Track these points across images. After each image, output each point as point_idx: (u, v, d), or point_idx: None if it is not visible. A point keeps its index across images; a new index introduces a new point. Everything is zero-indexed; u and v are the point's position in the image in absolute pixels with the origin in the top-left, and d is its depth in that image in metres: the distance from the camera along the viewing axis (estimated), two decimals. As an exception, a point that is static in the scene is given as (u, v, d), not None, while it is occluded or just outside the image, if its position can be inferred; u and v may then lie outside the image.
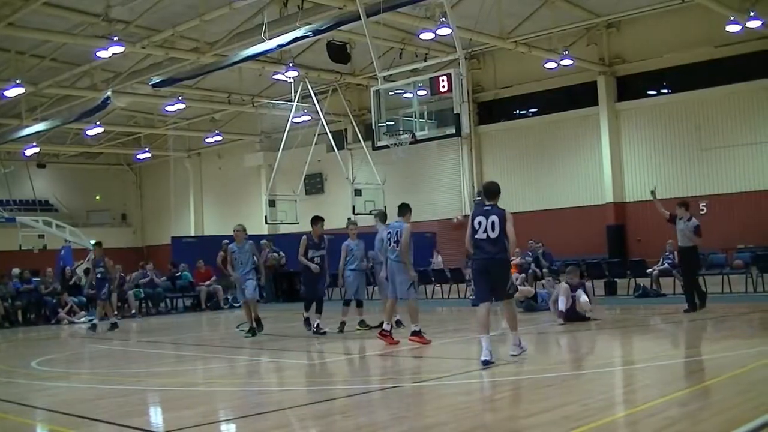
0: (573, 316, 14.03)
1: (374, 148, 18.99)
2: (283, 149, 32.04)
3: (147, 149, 43.42)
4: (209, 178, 46.90)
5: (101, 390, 9.63)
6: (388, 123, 17.85)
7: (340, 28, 23.04)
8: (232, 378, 10.65)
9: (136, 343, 16.27)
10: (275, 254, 27.78)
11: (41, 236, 40.68)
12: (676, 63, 28.93)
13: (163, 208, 45.98)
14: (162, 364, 11.75)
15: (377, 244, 14.27)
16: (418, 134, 17.25)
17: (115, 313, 19.99)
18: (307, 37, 22.80)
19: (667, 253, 20.45)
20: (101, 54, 23.99)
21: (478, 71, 33.84)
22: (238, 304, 25.35)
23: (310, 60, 30.36)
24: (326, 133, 32.74)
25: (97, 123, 34.77)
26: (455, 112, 16.16)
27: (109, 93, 27.51)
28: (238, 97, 34.99)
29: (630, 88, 30.68)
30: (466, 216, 13.28)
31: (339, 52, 27.68)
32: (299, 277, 15.65)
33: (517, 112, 34.38)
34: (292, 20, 22.88)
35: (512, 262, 21.42)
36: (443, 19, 21.66)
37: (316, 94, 31.54)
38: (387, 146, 17.64)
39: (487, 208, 9.98)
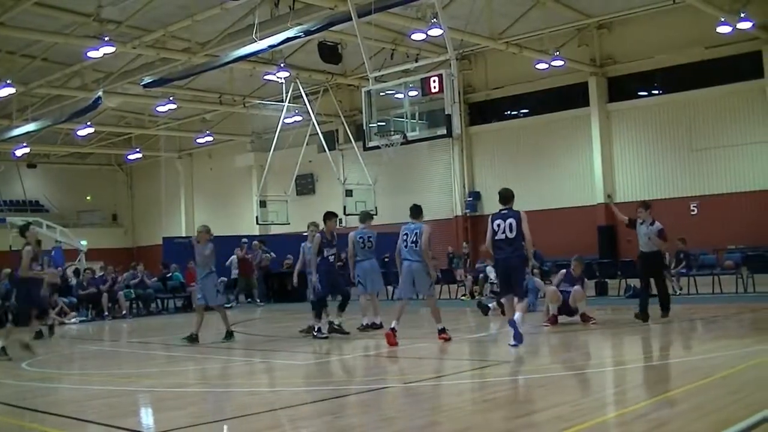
0: (565, 309, 14.10)
1: (365, 149, 18.98)
2: (274, 150, 32.05)
3: (138, 150, 43.31)
4: (200, 178, 46.83)
5: (92, 391, 9.60)
6: (379, 124, 17.84)
7: (331, 28, 23.03)
8: (223, 379, 10.63)
9: (126, 344, 16.22)
10: (267, 255, 27.79)
11: (32, 237, 40.46)
12: (667, 64, 29.00)
13: (154, 209, 45.88)
14: (153, 365, 11.73)
15: (358, 243, 14.59)
16: (410, 135, 17.24)
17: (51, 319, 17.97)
18: (299, 37, 22.78)
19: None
20: (92, 54, 23.92)
21: (469, 72, 33.87)
22: (229, 305, 25.44)
23: (302, 60, 30.34)
24: (317, 133, 32.76)
25: (88, 123, 34.68)
26: (446, 112, 16.15)
27: (100, 93, 27.45)
28: (229, 97, 34.93)
29: (621, 88, 30.75)
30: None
31: (330, 53, 27.66)
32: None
33: (509, 112, 34.41)
34: (283, 21, 22.86)
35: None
36: (434, 19, 21.66)
37: (307, 95, 31.55)
38: (378, 147, 17.62)
39: (504, 211, 11.26)
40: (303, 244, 15.14)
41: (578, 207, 30.85)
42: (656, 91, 30.42)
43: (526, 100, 33.35)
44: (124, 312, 23.42)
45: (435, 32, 22.69)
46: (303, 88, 31.00)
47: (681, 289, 19.67)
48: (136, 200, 51.14)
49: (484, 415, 7.12)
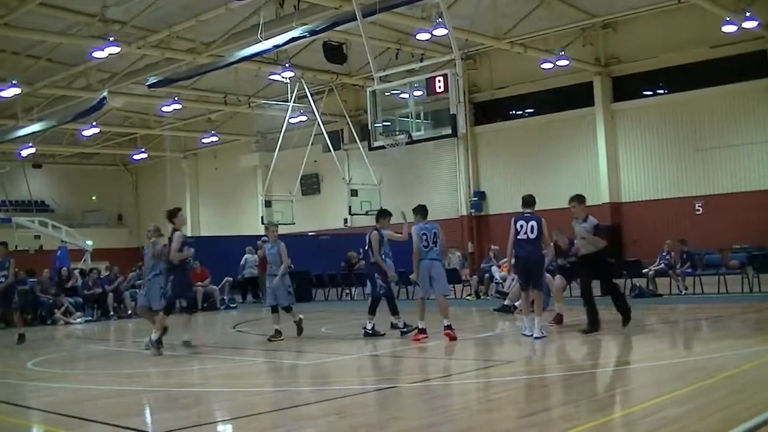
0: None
1: (370, 149, 19.01)
2: (279, 150, 32.08)
3: (143, 150, 43.39)
4: (205, 178, 46.88)
5: (97, 391, 9.61)
6: (384, 123, 17.86)
7: (336, 28, 23.08)
8: (228, 378, 10.63)
9: (131, 344, 16.23)
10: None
11: (37, 237, 40.68)
12: (672, 63, 28.97)
13: (159, 209, 45.78)
14: (157, 365, 11.73)
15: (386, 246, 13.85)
16: (415, 135, 17.25)
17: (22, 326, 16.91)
18: (304, 37, 22.82)
19: (663, 253, 20.49)
20: (97, 54, 23.97)
21: (474, 72, 33.87)
22: (234, 305, 25.47)
23: (307, 60, 30.37)
24: (322, 133, 32.79)
25: (93, 123, 34.79)
26: (451, 112, 16.17)
27: (105, 93, 27.52)
28: (234, 97, 34.98)
29: (626, 88, 30.72)
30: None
31: (335, 53, 27.69)
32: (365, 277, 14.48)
33: (513, 112, 34.41)
34: (288, 20, 22.90)
35: (505, 264, 21.56)
36: (439, 19, 21.65)
37: (312, 95, 31.58)
38: (383, 147, 17.64)
39: (527, 215, 12.44)
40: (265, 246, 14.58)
41: (583, 207, 30.77)
42: (661, 91, 30.39)
43: (530, 100, 33.35)
44: (129, 312, 23.43)
45: (440, 32, 22.69)
46: (308, 88, 31.03)
47: (686, 289, 19.64)
48: (141, 200, 51.23)
49: (489, 415, 7.11)
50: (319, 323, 17.32)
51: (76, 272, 25.18)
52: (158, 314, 12.95)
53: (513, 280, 15.69)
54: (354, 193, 32.21)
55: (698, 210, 28.40)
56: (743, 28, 24.39)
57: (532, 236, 12.24)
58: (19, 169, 41.35)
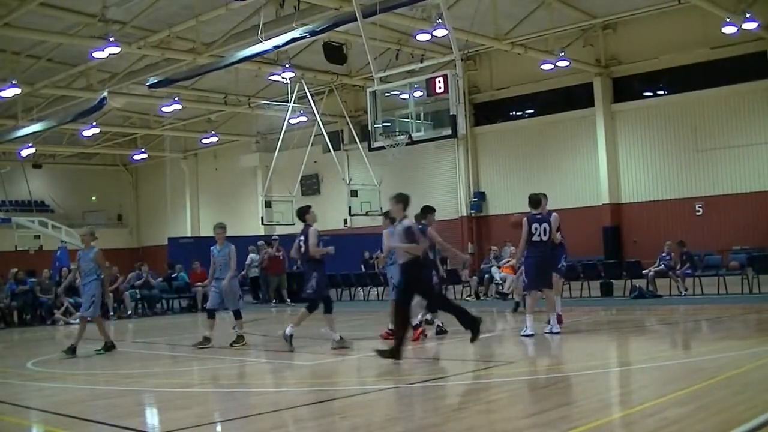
0: None
1: (370, 149, 19.00)
2: (279, 150, 32.08)
3: (143, 150, 43.38)
4: (205, 178, 46.88)
5: (97, 391, 9.61)
6: (384, 124, 17.86)
7: (336, 29, 23.08)
8: (228, 379, 10.63)
9: (131, 344, 16.23)
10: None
11: (37, 237, 40.66)
12: (673, 64, 28.97)
13: (159, 209, 46.03)
14: (158, 365, 11.73)
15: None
16: (415, 135, 17.26)
17: None
18: (304, 38, 22.82)
19: (663, 254, 20.49)
20: (97, 54, 23.94)
21: (474, 72, 33.88)
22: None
23: (307, 61, 30.36)
24: (322, 134, 32.79)
25: (93, 124, 34.78)
26: (451, 113, 16.17)
27: (105, 93, 27.49)
28: (234, 97, 34.98)
29: (626, 89, 30.73)
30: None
31: (335, 53, 27.67)
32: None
33: (514, 113, 34.40)
34: (288, 21, 22.89)
35: (507, 264, 21.53)
36: (439, 20, 21.66)
37: (312, 95, 31.58)
38: (383, 147, 17.64)
39: (538, 216, 12.49)
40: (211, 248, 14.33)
41: (583, 207, 30.82)
42: (661, 92, 30.39)
43: (531, 101, 33.36)
44: (129, 312, 23.45)
45: (440, 33, 22.68)
46: (308, 89, 31.03)
47: (686, 290, 19.63)
48: (141, 200, 51.23)
49: (490, 416, 7.11)
50: (319, 323, 17.31)
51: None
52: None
53: (520, 275, 15.47)
54: (354, 193, 32.19)
55: (698, 211, 28.40)
56: (743, 29, 24.38)
57: (545, 238, 12.48)
58: (19, 169, 41.35)
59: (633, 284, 20.15)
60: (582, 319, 15.40)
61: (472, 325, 10.95)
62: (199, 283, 24.90)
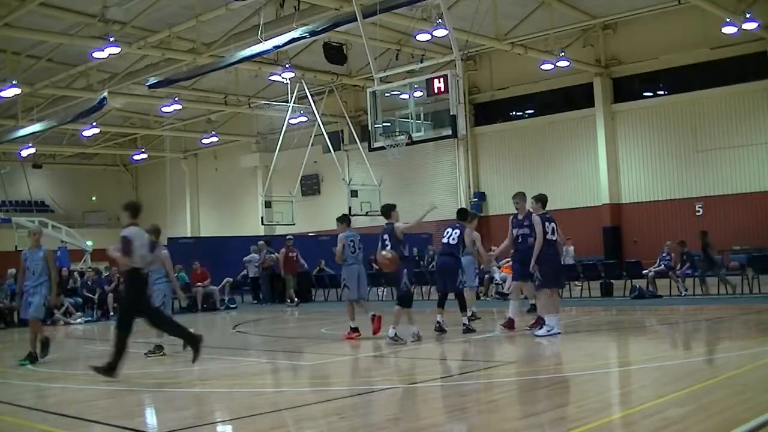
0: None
1: (370, 150, 19.01)
2: (279, 150, 32.10)
3: (143, 150, 43.41)
4: (205, 179, 46.89)
5: (96, 391, 9.60)
6: (384, 124, 17.87)
7: (336, 29, 23.10)
8: (228, 379, 10.62)
9: (131, 344, 16.22)
10: (272, 255, 27.71)
11: (37, 237, 40.52)
12: (672, 64, 28.99)
13: (160, 209, 45.94)
14: (157, 365, 11.72)
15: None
16: (415, 135, 17.27)
17: None
18: (304, 38, 22.83)
19: (663, 255, 20.49)
20: (97, 55, 23.96)
21: (474, 72, 33.89)
22: (234, 306, 25.43)
23: (307, 61, 30.38)
24: (322, 134, 32.81)
25: (93, 124, 34.79)
26: (451, 113, 16.19)
27: (105, 94, 27.52)
28: (234, 98, 34.99)
29: (626, 89, 30.74)
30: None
31: (335, 54, 27.69)
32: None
33: (514, 113, 34.42)
34: (288, 21, 22.90)
35: (507, 264, 21.52)
36: (439, 20, 21.67)
37: (312, 95, 31.59)
38: (383, 147, 17.65)
39: (548, 216, 12.69)
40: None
41: (583, 208, 30.84)
42: (661, 92, 30.41)
43: (531, 101, 33.37)
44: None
45: (440, 33, 22.69)
46: (308, 89, 31.04)
47: (686, 290, 19.62)
48: (141, 201, 51.15)
49: (490, 416, 7.11)
50: (319, 324, 17.33)
51: (76, 273, 25.19)
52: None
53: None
54: (354, 193, 32.19)
55: (698, 211, 28.40)
56: (743, 29, 24.39)
57: (554, 238, 12.69)
58: (19, 169, 41.37)
59: (633, 284, 20.15)
60: (582, 320, 15.39)
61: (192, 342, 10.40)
62: (199, 283, 24.92)
